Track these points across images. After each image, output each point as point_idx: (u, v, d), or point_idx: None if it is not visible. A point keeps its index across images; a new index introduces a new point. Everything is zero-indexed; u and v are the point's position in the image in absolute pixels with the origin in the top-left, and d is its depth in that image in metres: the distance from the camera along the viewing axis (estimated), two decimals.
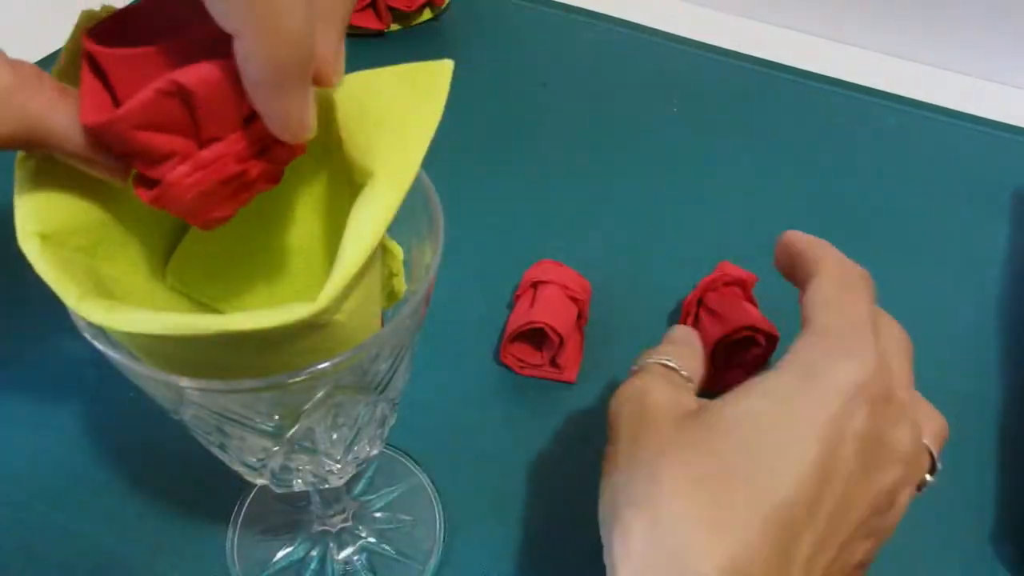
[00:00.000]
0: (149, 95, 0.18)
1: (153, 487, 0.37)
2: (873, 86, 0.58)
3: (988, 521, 0.36)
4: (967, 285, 0.46)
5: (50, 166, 0.20)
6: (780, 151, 0.53)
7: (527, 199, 0.50)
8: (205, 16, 0.18)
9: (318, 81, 0.21)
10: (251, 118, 0.20)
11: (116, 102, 0.19)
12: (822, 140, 0.54)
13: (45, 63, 0.55)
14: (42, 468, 0.37)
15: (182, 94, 0.18)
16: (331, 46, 0.21)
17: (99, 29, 0.20)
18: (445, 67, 0.23)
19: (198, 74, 0.18)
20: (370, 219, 0.20)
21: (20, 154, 0.20)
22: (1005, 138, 0.54)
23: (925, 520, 0.36)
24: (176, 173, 0.20)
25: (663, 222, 0.49)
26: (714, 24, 0.63)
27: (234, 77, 0.18)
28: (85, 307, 0.19)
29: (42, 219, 0.20)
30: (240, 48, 0.18)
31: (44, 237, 0.20)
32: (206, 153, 0.20)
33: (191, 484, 0.37)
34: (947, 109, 0.56)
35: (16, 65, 0.19)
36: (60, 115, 0.19)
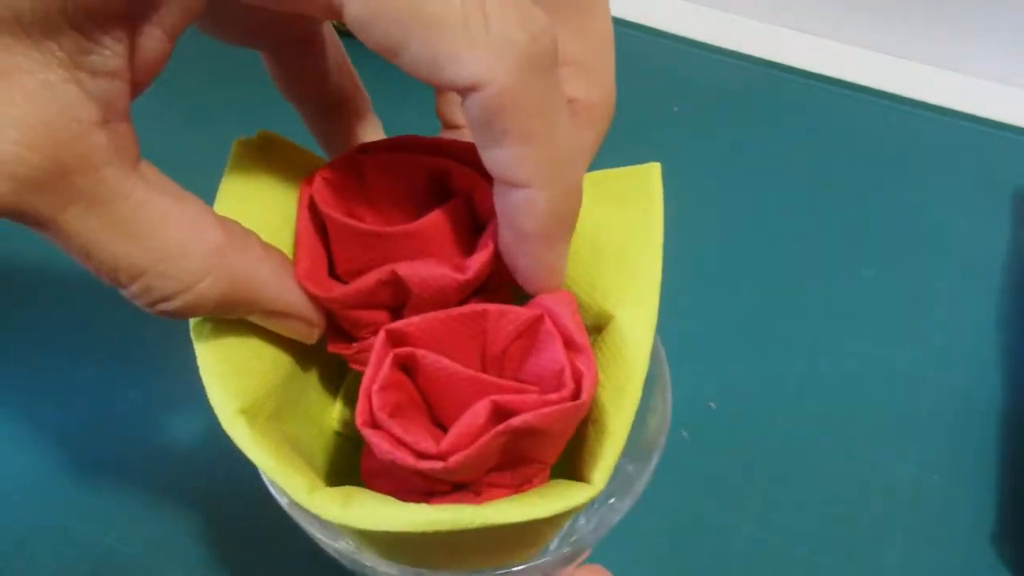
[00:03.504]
0: (370, 283, 0.18)
1: (153, 487, 0.37)
2: (873, 86, 0.58)
3: (988, 521, 0.36)
4: (967, 285, 0.46)
5: (228, 328, 0.18)
6: (780, 151, 0.53)
7: None
8: (442, 178, 0.18)
9: None
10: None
11: (331, 266, 0.19)
12: (822, 140, 0.54)
13: None
14: (42, 468, 0.37)
15: (398, 284, 0.18)
16: None
17: (327, 177, 0.19)
18: (652, 172, 0.21)
19: (419, 274, 0.18)
20: (628, 382, 0.18)
21: (194, 322, 0.18)
22: (1005, 138, 0.54)
23: (925, 520, 0.36)
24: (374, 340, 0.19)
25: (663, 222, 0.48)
26: (714, 24, 0.63)
27: (452, 281, 0.18)
28: (318, 502, 0.17)
29: (238, 392, 0.18)
30: (519, 199, 0.17)
31: (245, 413, 0.18)
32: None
33: (191, 484, 0.37)
34: (947, 109, 0.56)
35: (225, 222, 0.17)
36: (267, 274, 0.18)
